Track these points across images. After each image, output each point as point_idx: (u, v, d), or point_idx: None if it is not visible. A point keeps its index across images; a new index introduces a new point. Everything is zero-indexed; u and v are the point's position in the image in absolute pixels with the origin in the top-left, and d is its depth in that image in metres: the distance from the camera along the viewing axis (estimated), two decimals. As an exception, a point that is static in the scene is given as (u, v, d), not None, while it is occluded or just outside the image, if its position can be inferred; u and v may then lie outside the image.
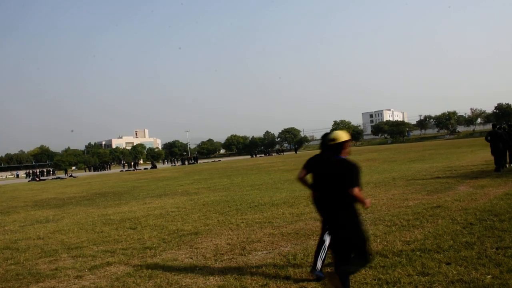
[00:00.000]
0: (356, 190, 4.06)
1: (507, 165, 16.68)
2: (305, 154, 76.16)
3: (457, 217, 7.86)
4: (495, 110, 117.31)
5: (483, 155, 23.82)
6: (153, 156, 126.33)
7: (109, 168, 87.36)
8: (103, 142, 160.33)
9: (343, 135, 4.44)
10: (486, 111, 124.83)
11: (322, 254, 5.15)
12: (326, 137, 5.19)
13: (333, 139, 4.42)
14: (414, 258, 5.52)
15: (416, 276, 4.85)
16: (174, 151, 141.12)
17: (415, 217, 8.18)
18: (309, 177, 5.26)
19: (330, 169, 4.37)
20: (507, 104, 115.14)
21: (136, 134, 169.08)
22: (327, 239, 5.07)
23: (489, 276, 4.65)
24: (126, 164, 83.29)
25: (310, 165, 5.42)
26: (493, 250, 5.63)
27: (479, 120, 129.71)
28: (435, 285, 4.55)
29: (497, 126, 16.98)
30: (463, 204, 9.18)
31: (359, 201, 4.16)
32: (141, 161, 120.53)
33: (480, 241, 6.10)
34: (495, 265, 4.99)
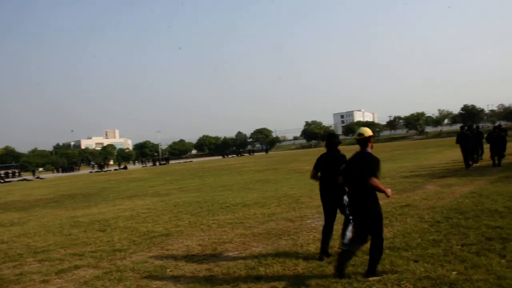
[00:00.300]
0: (375, 180, 4.77)
1: (477, 162, 17.95)
2: (276, 154, 76.49)
3: (425, 215, 8.03)
4: (461, 111, 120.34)
5: (450, 155, 24.41)
6: (123, 157, 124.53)
7: (78, 169, 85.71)
8: (72, 143, 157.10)
9: (369, 131, 5.13)
10: (453, 112, 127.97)
11: (349, 227, 5.73)
12: (331, 137, 6.32)
13: (361, 134, 5.11)
14: (383, 257, 5.60)
15: (385, 274, 4.93)
16: (145, 151, 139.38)
17: (384, 216, 8.20)
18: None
19: (357, 161, 5.08)
20: (472, 105, 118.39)
21: (106, 134, 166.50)
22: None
23: (454, 272, 4.77)
24: (96, 165, 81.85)
25: (320, 163, 6.23)
26: (459, 247, 5.78)
27: (446, 120, 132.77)
28: (403, 282, 4.64)
29: (465, 128, 18.39)
30: (430, 202, 9.39)
31: (378, 189, 4.83)
32: (111, 162, 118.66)
33: (447, 238, 6.25)
34: (460, 262, 5.13)
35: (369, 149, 5.05)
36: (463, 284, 4.42)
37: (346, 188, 5.48)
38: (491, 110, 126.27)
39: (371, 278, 4.79)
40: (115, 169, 63.23)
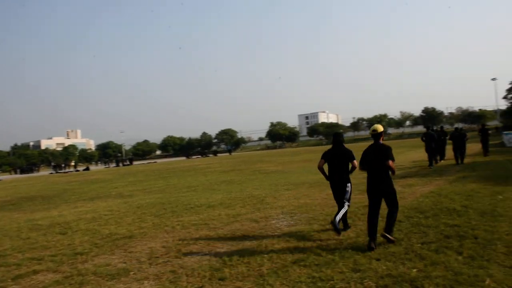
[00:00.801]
0: (391, 162, 6.19)
1: (438, 161, 19.50)
2: (241, 155, 76.47)
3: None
4: (422, 113, 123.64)
5: (411, 156, 25.03)
6: (86, 157, 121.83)
7: (38, 171, 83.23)
8: (31, 143, 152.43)
9: (381, 127, 6.54)
10: (414, 114, 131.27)
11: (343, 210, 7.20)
12: (338, 136, 7.52)
13: (375, 130, 6.50)
14: (346, 256, 5.71)
15: (349, 273, 5.02)
16: (108, 152, 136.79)
17: (348, 216, 8.42)
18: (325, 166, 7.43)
19: (376, 152, 6.39)
20: (432, 108, 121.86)
21: (67, 134, 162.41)
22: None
23: (414, 270, 4.91)
24: (56, 166, 79.68)
25: (327, 156, 7.47)
26: (419, 245, 5.94)
27: (408, 122, 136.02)
28: (366, 280, 4.73)
29: (430, 128, 20.08)
30: (392, 202, 9.59)
31: (391, 170, 6.24)
32: (73, 163, 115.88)
33: (407, 237, 6.42)
34: (420, 259, 5.28)
35: (381, 141, 6.49)
36: (423, 281, 4.55)
37: (346, 179, 7.35)
38: (450, 113, 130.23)
39: (390, 237, 6.09)
40: (77, 170, 61.73)
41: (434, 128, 22.22)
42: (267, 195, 12.81)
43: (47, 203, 15.98)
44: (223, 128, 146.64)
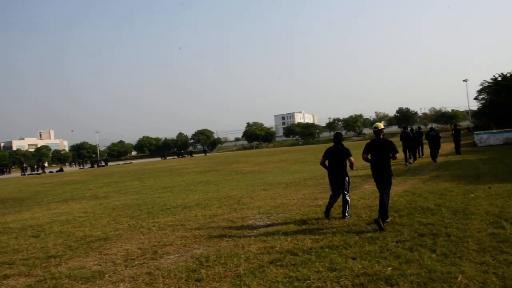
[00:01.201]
0: (397, 155, 7.65)
1: (412, 161, 20.16)
2: (217, 155, 76.28)
3: (362, 214, 8.32)
4: (396, 114, 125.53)
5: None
6: (59, 158, 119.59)
7: (9, 172, 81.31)
8: (2, 144, 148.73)
9: (381, 125, 7.85)
10: (389, 115, 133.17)
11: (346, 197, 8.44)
12: (338, 135, 8.71)
13: (376, 127, 7.79)
14: (323, 255, 5.75)
15: (325, 272, 5.05)
16: (82, 153, 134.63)
17: (324, 215, 8.50)
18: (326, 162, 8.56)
19: (380, 145, 7.60)
20: (407, 108, 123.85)
21: (40, 135, 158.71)
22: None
23: (389, 268, 4.98)
24: (29, 168, 78.02)
25: (328, 153, 8.55)
26: (394, 243, 6.03)
27: (383, 122, 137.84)
28: (342, 279, 4.77)
29: (407, 128, 21.53)
30: (368, 201, 9.74)
31: (393, 159, 7.60)
32: (46, 164, 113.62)
33: (383, 236, 6.51)
34: (395, 258, 5.36)
35: (381, 136, 7.72)
36: (397, 279, 4.62)
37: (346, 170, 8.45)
38: (424, 113, 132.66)
39: (383, 225, 6.90)
40: (50, 172, 60.54)
41: (410, 128, 23.49)
42: (243, 195, 12.81)
43: (19, 206, 15.63)
44: (199, 129, 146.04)
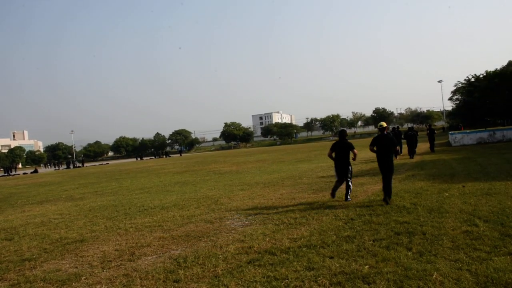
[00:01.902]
0: (397, 147, 9.80)
1: (396, 157, 21.40)
2: (194, 156, 75.95)
3: (339, 213, 8.39)
4: (373, 114, 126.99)
5: (362, 155, 25.60)
6: (34, 159, 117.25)
7: (-18, 174, 79.41)
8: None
9: (384, 124, 9.79)
10: (366, 115, 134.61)
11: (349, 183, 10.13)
12: (343, 132, 10.39)
13: (381, 125, 9.74)
14: (300, 254, 5.78)
15: (303, 271, 5.08)
16: (58, 154, 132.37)
17: (301, 215, 8.56)
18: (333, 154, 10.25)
19: (384, 140, 9.50)
20: (383, 108, 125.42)
21: (13, 136, 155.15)
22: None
23: (366, 266, 5.03)
24: (1, 169, 76.23)
25: (335, 147, 10.24)
26: (370, 242, 6.10)
27: (360, 122, 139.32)
28: (320, 278, 4.80)
29: (397, 129, 23.73)
30: (346, 202, 9.80)
31: (395, 151, 10.42)
32: (20, 165, 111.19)
33: (360, 234, 6.58)
34: (372, 256, 5.42)
35: (385, 132, 9.58)
36: (374, 277, 4.67)
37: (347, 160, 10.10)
38: (400, 113, 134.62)
39: (389, 200, 9.02)
40: (24, 173, 59.36)
41: (394, 128, 25.26)
42: (221, 195, 12.79)
43: (-8, 208, 15.27)
44: (177, 129, 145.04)
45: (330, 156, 10.41)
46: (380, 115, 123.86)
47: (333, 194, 10.20)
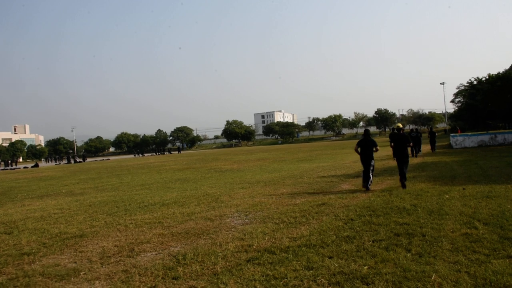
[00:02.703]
0: (411, 144, 12.12)
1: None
2: (195, 153, 75.97)
3: (339, 213, 8.38)
4: (375, 115, 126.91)
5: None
6: (34, 153, 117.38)
7: (-17, 167, 79.55)
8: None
9: (400, 125, 13.28)
10: (368, 116, 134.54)
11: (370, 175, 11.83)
12: (367, 131, 12.35)
13: (398, 126, 13.34)
14: (300, 254, 5.78)
15: (302, 271, 5.08)
16: (59, 148, 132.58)
17: (301, 214, 8.56)
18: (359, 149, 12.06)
19: (401, 137, 11.95)
20: (385, 109, 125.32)
21: (14, 129, 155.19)
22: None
23: (365, 267, 5.03)
24: (2, 163, 76.29)
25: (360, 143, 12.10)
26: (370, 243, 6.10)
27: (361, 123, 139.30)
28: (318, 278, 4.80)
29: (396, 129, 23.20)
30: (345, 201, 9.82)
31: (408, 146, 12.04)
32: (21, 159, 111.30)
33: (359, 235, 6.57)
34: (371, 257, 5.42)
35: (402, 132, 12.43)
36: (373, 278, 4.67)
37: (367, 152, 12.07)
38: (402, 115, 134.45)
39: (405, 183, 11.54)
40: (25, 167, 59.44)
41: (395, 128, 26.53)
42: (222, 193, 12.79)
43: (-8, 201, 15.30)
44: (179, 126, 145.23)
45: (356, 150, 12.31)
46: (382, 116, 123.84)
47: (365, 186, 11.66)
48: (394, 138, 12.26)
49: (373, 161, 11.91)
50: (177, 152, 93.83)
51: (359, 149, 12.16)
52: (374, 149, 11.91)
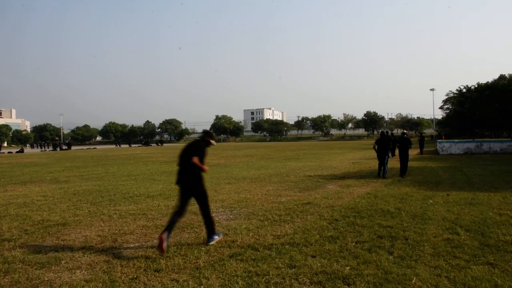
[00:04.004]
0: (411, 146, 16.32)
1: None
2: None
3: (324, 213, 8.42)
4: (364, 117, 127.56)
5: (351, 157, 25.78)
6: (20, 139, 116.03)
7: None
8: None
9: (405, 131, 27.29)
10: (357, 117, 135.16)
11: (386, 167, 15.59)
12: (383, 132, 16.74)
13: (404, 132, 17.63)
14: (283, 252, 5.79)
15: (284, 269, 5.10)
16: (45, 135, 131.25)
17: (286, 212, 8.59)
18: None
19: (404, 140, 16.04)
20: (374, 112, 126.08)
21: (0, 113, 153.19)
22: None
23: (347, 268, 5.06)
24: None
25: (378, 142, 15.78)
26: (353, 244, 6.13)
27: (350, 125, 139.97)
28: (300, 276, 4.82)
29: (385, 132, 24.45)
30: (330, 201, 9.86)
31: (409, 148, 16.12)
32: (5, 144, 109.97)
33: (343, 236, 6.61)
34: (354, 258, 5.45)
35: (406, 136, 16.45)
36: (355, 279, 4.70)
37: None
38: (390, 118, 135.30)
39: (404, 176, 15.20)
40: (9, 152, 58.73)
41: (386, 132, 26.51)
42: (207, 188, 12.69)
43: (-25, 185, 15.10)
44: (168, 118, 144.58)
45: (374, 148, 15.93)
46: (371, 119, 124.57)
47: (382, 175, 15.18)
48: (399, 140, 16.37)
49: (387, 156, 15.41)
50: (159, 144, 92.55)
51: (376, 147, 15.77)
52: (408, 147, 16.11)
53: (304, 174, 16.94)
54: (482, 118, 59.85)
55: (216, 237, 6.43)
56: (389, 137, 21.03)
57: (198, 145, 6.50)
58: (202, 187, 6.56)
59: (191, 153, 6.28)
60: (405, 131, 18.72)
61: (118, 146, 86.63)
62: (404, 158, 15.55)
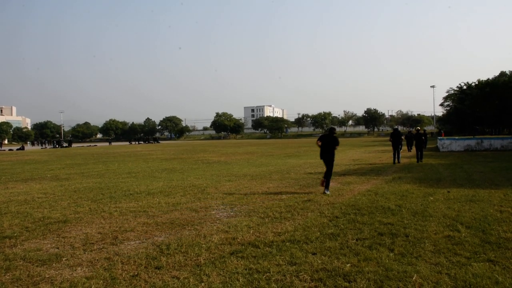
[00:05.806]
0: (403, 137, 21.83)
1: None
2: (183, 144, 75.70)
3: (325, 210, 8.42)
4: (364, 114, 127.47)
5: (351, 154, 25.78)
6: (20, 136, 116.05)
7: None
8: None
9: (418, 127, 26.26)
10: (357, 114, 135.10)
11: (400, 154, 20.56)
12: (396, 129, 21.57)
13: (417, 128, 23.66)
14: (284, 249, 5.79)
15: (285, 266, 5.09)
16: (45, 132, 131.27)
17: (287, 209, 8.59)
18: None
19: (416, 135, 21.81)
20: (375, 109, 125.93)
21: (1, 111, 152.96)
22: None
23: (348, 265, 5.06)
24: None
25: (392, 136, 20.78)
26: (354, 241, 6.13)
27: (350, 122, 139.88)
28: (301, 274, 4.82)
29: (396, 128, 25.85)
30: (331, 199, 9.86)
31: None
32: (6, 141, 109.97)
33: (343, 233, 6.60)
34: (354, 255, 5.45)
35: (413, 132, 23.74)
36: (355, 276, 4.70)
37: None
38: (391, 115, 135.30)
39: (401, 161, 20.40)
40: (10, 149, 58.73)
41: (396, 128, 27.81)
42: (208, 185, 12.78)
43: (-25, 182, 15.11)
44: (168, 115, 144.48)
45: (390, 140, 20.32)
46: (372, 116, 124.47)
47: (397, 161, 19.81)
48: (410, 135, 23.59)
49: (400, 145, 20.05)
50: (156, 142, 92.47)
51: (390, 140, 20.20)
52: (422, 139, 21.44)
53: (305, 171, 16.95)
54: (482, 115, 59.77)
55: (327, 192, 10.70)
56: (400, 132, 23.58)
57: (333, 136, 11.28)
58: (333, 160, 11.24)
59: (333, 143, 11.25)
60: (419, 128, 23.89)
61: (109, 144, 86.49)
62: (419, 148, 20.86)
